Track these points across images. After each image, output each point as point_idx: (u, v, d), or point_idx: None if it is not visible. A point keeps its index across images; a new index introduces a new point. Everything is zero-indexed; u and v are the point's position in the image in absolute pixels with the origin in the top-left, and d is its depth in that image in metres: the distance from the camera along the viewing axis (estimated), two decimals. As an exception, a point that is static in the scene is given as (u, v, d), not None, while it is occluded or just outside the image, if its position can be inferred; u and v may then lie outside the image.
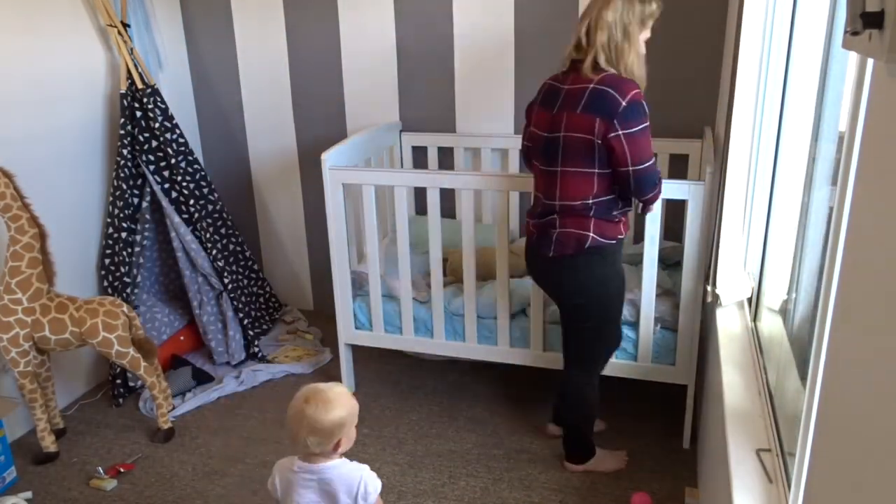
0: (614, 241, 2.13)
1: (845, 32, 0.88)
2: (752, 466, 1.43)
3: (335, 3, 3.29)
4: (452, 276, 2.90)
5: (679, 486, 2.39)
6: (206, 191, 3.30)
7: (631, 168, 1.98)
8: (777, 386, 1.61)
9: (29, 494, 2.45)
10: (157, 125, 3.04)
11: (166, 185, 3.12)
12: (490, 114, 3.26)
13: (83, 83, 3.01)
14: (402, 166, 3.38)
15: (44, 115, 2.83)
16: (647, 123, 1.98)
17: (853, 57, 1.12)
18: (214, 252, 3.21)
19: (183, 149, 3.18)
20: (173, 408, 2.89)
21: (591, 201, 2.06)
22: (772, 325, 1.84)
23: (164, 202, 3.10)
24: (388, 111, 3.39)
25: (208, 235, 3.21)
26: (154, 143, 3.07)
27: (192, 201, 3.16)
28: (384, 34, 3.28)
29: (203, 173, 3.30)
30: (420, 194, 3.35)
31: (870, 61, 0.93)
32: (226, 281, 3.23)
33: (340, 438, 1.59)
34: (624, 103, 1.93)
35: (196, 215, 3.17)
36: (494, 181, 2.53)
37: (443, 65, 3.25)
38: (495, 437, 2.69)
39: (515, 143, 3.21)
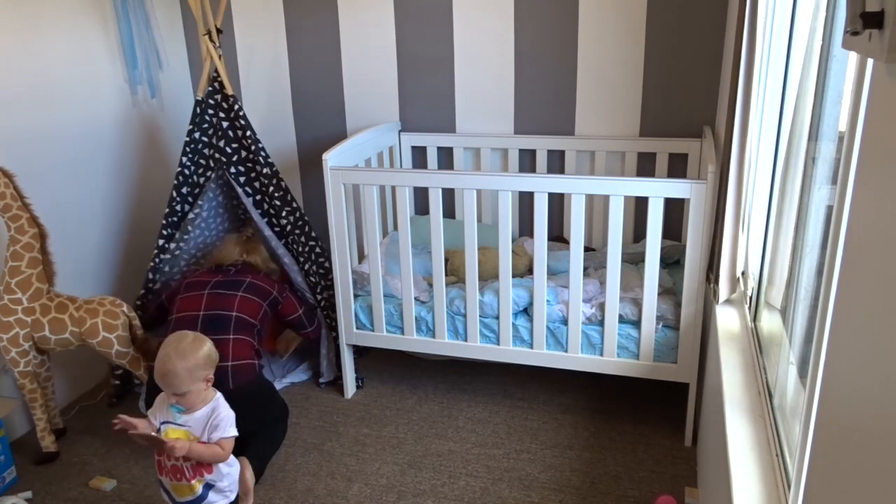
0: None
1: (845, 32, 0.88)
2: (752, 466, 1.43)
3: (335, 3, 3.30)
4: (454, 275, 2.90)
5: (679, 485, 2.39)
6: (289, 197, 2.98)
7: None
8: (777, 386, 1.61)
9: (29, 494, 2.45)
10: (248, 133, 2.83)
11: (257, 197, 2.89)
12: (490, 114, 3.26)
13: (83, 83, 3.00)
14: (401, 166, 3.38)
15: (43, 115, 2.83)
16: None
17: (853, 57, 1.12)
18: (307, 266, 2.96)
19: (269, 158, 2.92)
20: (173, 408, 2.88)
21: None
22: (772, 324, 1.84)
23: (255, 215, 2.87)
24: (388, 111, 3.39)
25: (299, 248, 2.94)
26: (244, 154, 2.85)
27: (283, 213, 2.90)
28: (384, 34, 3.28)
29: (284, 183, 3.00)
30: (420, 194, 3.35)
31: (870, 61, 0.93)
32: (319, 297, 3.00)
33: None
34: None
35: (288, 227, 2.92)
36: (496, 181, 2.53)
37: (443, 65, 3.25)
38: (495, 437, 2.69)
39: (515, 143, 3.22)
